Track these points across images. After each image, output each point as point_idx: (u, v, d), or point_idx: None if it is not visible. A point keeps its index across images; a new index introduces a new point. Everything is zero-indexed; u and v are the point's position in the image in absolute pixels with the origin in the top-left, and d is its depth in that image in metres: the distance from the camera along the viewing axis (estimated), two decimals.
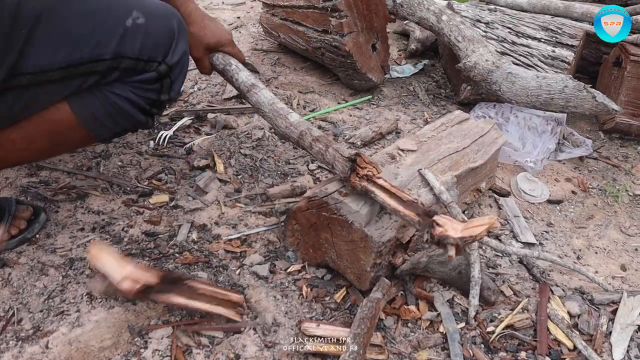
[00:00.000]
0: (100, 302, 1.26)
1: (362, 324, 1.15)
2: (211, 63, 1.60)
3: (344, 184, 1.27)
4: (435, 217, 1.05)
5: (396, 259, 1.19)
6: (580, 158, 2.21)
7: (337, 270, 1.37)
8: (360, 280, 1.30)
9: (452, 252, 1.02)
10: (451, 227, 1.02)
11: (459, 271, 1.34)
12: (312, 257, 1.41)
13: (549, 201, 1.91)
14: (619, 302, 1.45)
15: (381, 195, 1.16)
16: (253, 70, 2.43)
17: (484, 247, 1.58)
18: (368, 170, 1.19)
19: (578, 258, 1.66)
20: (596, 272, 1.61)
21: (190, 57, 1.41)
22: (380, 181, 1.19)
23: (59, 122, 1.25)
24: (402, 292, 1.37)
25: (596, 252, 1.70)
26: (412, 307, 1.32)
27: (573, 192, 1.99)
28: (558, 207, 1.90)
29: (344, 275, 1.36)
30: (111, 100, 1.25)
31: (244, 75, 1.55)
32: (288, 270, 1.41)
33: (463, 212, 1.65)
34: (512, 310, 1.38)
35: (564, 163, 2.16)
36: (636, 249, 1.74)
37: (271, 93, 1.50)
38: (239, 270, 1.40)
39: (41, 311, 1.24)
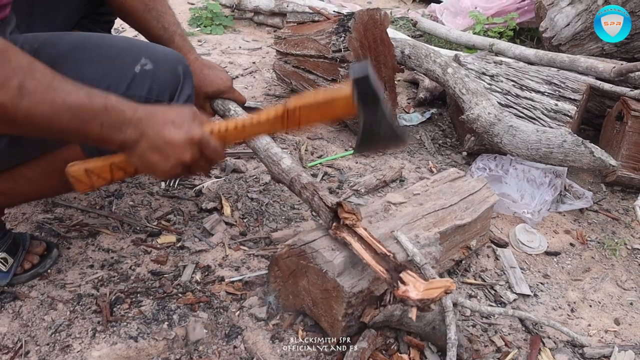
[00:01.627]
0: (104, 337, 1.32)
1: None
2: (213, 109, 1.69)
3: (325, 233, 1.32)
4: (402, 274, 1.10)
5: (365, 317, 1.23)
6: (581, 210, 2.25)
7: (312, 317, 1.41)
8: (333, 329, 1.33)
9: (412, 314, 1.07)
10: (413, 288, 1.07)
11: (433, 326, 1.36)
12: (291, 304, 1.44)
13: (547, 253, 1.95)
14: (610, 357, 1.47)
15: (357, 247, 1.21)
16: None
17: (463, 302, 1.61)
18: (349, 220, 1.24)
19: (572, 311, 1.69)
20: (589, 325, 1.64)
21: None
22: (359, 230, 1.24)
23: (70, 161, 1.34)
24: (393, 338, 1.41)
25: (590, 305, 1.73)
26: (404, 356, 1.36)
27: (571, 244, 2.03)
28: (555, 259, 1.93)
29: (319, 323, 1.39)
30: None
31: None
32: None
33: (458, 265, 1.70)
34: None
35: (564, 215, 2.20)
36: (631, 303, 1.77)
37: (267, 137, 1.55)
38: (238, 312, 1.46)
39: (47, 344, 1.30)
